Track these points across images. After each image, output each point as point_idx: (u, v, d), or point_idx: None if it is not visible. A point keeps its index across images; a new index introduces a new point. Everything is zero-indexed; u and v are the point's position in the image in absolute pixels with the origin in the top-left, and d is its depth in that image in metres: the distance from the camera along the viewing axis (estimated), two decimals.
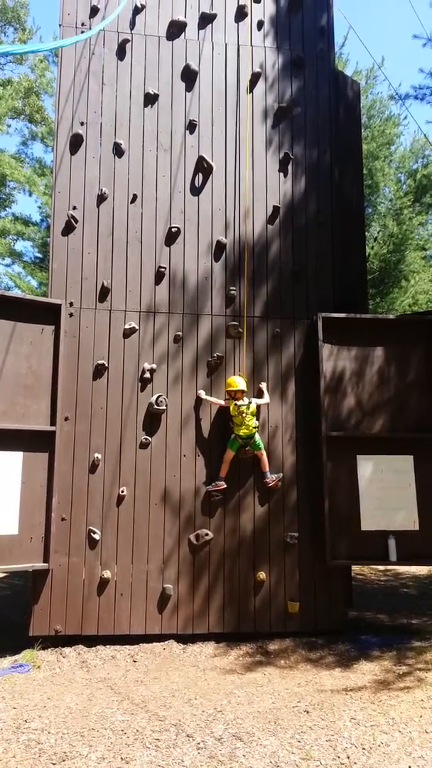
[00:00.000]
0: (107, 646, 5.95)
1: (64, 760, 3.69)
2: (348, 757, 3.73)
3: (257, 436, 6.38)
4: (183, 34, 7.28)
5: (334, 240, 7.23)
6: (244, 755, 3.75)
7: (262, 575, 6.32)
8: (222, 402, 6.50)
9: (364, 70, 16.43)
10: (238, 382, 6.35)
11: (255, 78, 7.33)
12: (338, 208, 7.40)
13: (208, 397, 6.54)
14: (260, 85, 7.36)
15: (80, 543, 6.15)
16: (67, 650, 5.85)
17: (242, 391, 6.35)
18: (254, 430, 6.33)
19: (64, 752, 3.78)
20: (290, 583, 6.38)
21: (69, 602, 6.02)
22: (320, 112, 7.43)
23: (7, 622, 7.23)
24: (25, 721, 4.24)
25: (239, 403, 6.30)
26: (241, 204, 7.09)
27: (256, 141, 7.22)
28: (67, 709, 4.50)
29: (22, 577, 9.79)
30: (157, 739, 3.97)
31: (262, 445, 6.44)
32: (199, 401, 6.57)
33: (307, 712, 4.43)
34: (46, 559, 5.95)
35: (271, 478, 6.44)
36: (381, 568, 10.40)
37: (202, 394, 6.55)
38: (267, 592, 6.33)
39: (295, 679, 5.27)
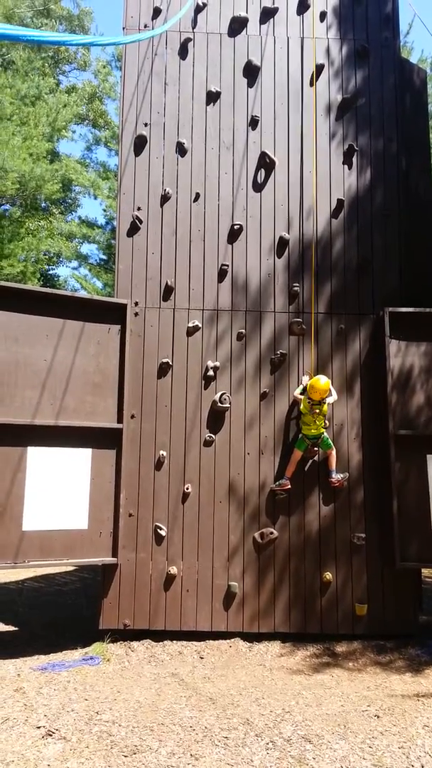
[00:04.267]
0: (174, 642, 6.01)
1: (135, 753, 3.74)
2: (422, 766, 3.61)
3: (325, 435, 6.29)
4: (245, 29, 7.24)
5: (401, 232, 7.02)
6: (314, 758, 3.70)
7: (328, 576, 6.22)
8: (300, 396, 6.38)
9: (429, 57, 15.93)
10: (326, 384, 6.15)
11: (318, 70, 7.20)
12: (405, 200, 7.19)
13: (297, 395, 6.41)
14: (323, 77, 7.23)
15: (147, 539, 6.24)
16: (135, 644, 5.95)
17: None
18: (323, 429, 6.25)
19: (135, 745, 3.84)
20: (357, 585, 6.25)
21: (137, 597, 6.12)
22: (385, 102, 7.22)
23: (77, 614, 7.43)
24: (97, 713, 4.34)
25: (315, 402, 6.18)
26: (305, 199, 6.99)
27: (319, 134, 7.10)
28: (136, 702, 4.57)
29: (92, 571, 10.05)
30: (226, 737, 3.97)
31: (331, 443, 6.34)
32: (263, 398, 6.54)
33: (378, 717, 4.32)
34: (114, 554, 6.07)
35: (337, 478, 6.32)
36: None
37: (297, 393, 6.43)
38: (334, 592, 6.23)
39: (364, 682, 5.16)
